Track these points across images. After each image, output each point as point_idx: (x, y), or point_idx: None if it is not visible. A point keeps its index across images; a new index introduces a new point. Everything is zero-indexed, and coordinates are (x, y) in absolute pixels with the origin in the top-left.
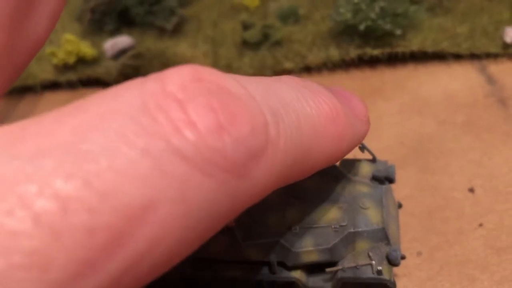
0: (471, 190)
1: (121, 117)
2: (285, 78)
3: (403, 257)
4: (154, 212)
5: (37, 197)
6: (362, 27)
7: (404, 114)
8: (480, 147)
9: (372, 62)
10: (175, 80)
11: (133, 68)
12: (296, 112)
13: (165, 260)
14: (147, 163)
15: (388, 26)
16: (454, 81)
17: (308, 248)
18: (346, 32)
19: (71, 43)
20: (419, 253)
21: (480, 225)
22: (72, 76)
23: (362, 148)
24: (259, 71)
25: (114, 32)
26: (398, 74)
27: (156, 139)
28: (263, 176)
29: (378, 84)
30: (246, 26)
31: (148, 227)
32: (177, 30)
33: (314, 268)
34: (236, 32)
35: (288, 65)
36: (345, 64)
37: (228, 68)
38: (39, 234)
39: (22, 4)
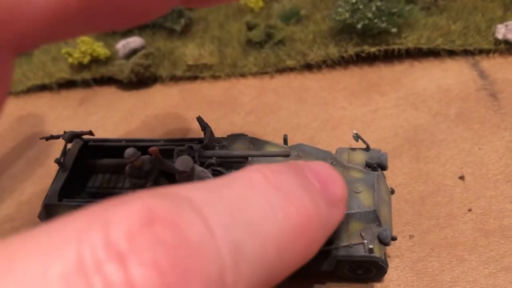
0: (462, 177)
1: (52, 285)
2: (257, 179)
3: (394, 238)
4: None
5: None
6: (359, 25)
7: (400, 107)
8: (471, 138)
9: (369, 59)
10: (121, 225)
11: (144, 66)
12: (262, 237)
13: None
14: None
15: (384, 25)
16: (447, 76)
17: None
18: (344, 31)
19: (85, 44)
20: (411, 236)
21: (470, 210)
22: (86, 74)
23: (357, 137)
24: (263, 69)
25: (126, 33)
26: (394, 70)
27: None
28: None
29: (375, 80)
30: (250, 27)
31: None
32: (185, 31)
33: None
34: (241, 32)
35: (290, 62)
36: (344, 61)
37: (233, 66)
38: None
39: None
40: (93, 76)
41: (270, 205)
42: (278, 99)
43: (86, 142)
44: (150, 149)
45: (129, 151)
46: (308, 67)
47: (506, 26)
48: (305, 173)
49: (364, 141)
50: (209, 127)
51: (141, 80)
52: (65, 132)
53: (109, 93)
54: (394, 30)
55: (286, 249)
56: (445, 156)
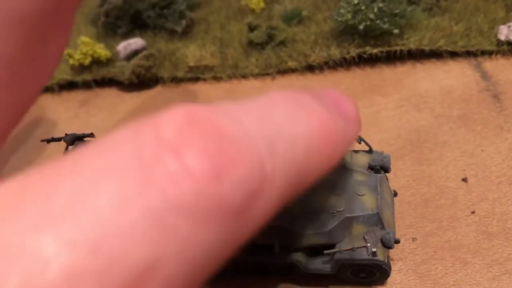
0: (465, 179)
1: (119, 175)
2: (277, 96)
3: (397, 241)
4: (159, 271)
5: (42, 272)
6: (361, 27)
7: (402, 109)
8: (474, 139)
9: (371, 60)
10: (169, 125)
11: (145, 68)
12: (290, 137)
13: None
14: (149, 223)
15: (386, 26)
16: (450, 77)
17: (308, 231)
18: (346, 32)
19: (86, 45)
20: (414, 239)
21: (473, 212)
22: (87, 76)
23: (359, 139)
24: (264, 70)
25: (127, 35)
26: (396, 72)
27: (155, 195)
28: (263, 209)
29: (378, 81)
30: (252, 28)
31: (153, 286)
32: (186, 32)
33: (313, 251)
34: (243, 34)
35: (291, 64)
36: (346, 63)
37: (235, 67)
38: None
39: (32, 43)
40: (94, 78)
41: (293, 115)
42: None
43: None
44: None
45: None
46: (310, 68)
47: (509, 27)
48: (319, 94)
49: (366, 143)
50: None
51: (142, 82)
52: (66, 134)
53: (110, 95)
54: (396, 31)
55: (313, 150)
56: (448, 158)
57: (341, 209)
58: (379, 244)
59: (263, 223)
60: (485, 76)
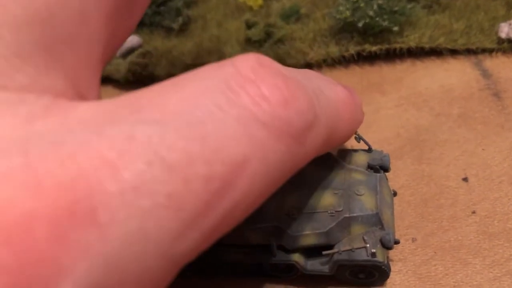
0: (465, 179)
1: (214, 93)
2: (310, 71)
3: (396, 242)
4: (247, 167)
5: (170, 152)
6: (360, 24)
7: (401, 107)
8: (475, 138)
9: (371, 58)
10: (246, 65)
11: (141, 66)
12: (326, 96)
13: (250, 206)
14: (240, 128)
15: (385, 23)
16: (450, 75)
17: (306, 232)
18: (345, 29)
19: None
20: (414, 239)
21: (473, 212)
22: None
23: (358, 138)
24: None
25: None
26: (396, 70)
27: (243, 109)
28: (313, 144)
29: (377, 79)
30: (249, 25)
31: (244, 179)
32: (183, 30)
33: (312, 252)
34: (240, 31)
35: (290, 61)
36: (345, 60)
37: None
38: (173, 181)
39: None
40: None
41: (325, 83)
42: None
43: None
44: None
45: None
46: (308, 66)
47: (510, 25)
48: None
49: (366, 142)
50: None
51: (138, 80)
52: None
53: (106, 93)
54: (395, 28)
55: (340, 112)
56: (448, 157)
57: (340, 209)
58: (379, 245)
59: (308, 159)
60: (485, 74)
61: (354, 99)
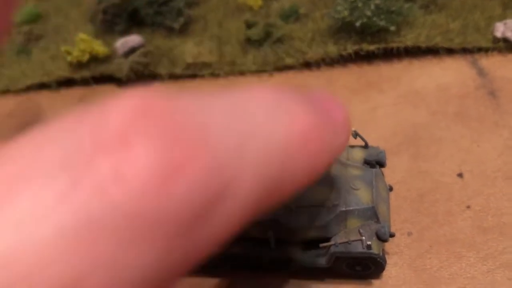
0: (460, 175)
1: (51, 168)
2: (258, 93)
3: (392, 235)
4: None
5: None
6: (358, 24)
7: (398, 106)
8: (470, 136)
9: (368, 57)
10: (119, 114)
11: (143, 65)
12: (264, 137)
13: None
14: (66, 240)
15: (383, 23)
16: (446, 74)
17: (304, 225)
18: (343, 29)
19: (84, 42)
20: (409, 233)
21: (468, 207)
22: (85, 73)
23: (355, 135)
24: (262, 67)
25: (125, 32)
26: (393, 68)
27: (90, 196)
28: (229, 216)
29: (374, 78)
30: (249, 25)
31: None
32: (184, 30)
33: (309, 245)
34: (240, 31)
35: (289, 61)
36: (343, 59)
37: (232, 64)
38: None
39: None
40: (92, 75)
41: (272, 113)
42: None
43: None
44: None
45: None
46: (307, 65)
47: (505, 24)
48: (309, 95)
49: (362, 138)
50: None
51: (140, 78)
52: None
53: (109, 91)
54: (393, 28)
55: (291, 158)
56: (444, 154)
57: (337, 203)
58: (374, 238)
59: (232, 231)
60: (481, 73)
61: (321, 124)
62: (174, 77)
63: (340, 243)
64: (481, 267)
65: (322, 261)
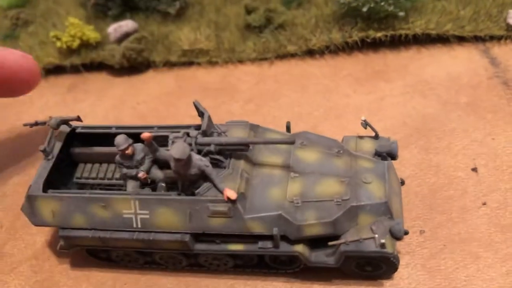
0: (474, 169)
1: None
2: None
3: (406, 232)
4: None
5: None
6: (365, 9)
7: (407, 95)
8: (484, 128)
9: (375, 45)
10: None
11: (136, 51)
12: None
13: None
14: None
15: (391, 8)
16: (457, 63)
17: (311, 221)
18: (349, 15)
19: (74, 27)
20: (422, 231)
21: (484, 203)
22: (76, 60)
23: (365, 124)
24: (262, 55)
25: (118, 17)
26: (400, 57)
27: None
28: None
29: (381, 67)
30: (249, 10)
31: None
32: (180, 15)
33: (316, 243)
34: (240, 16)
35: (291, 48)
36: (348, 47)
37: (231, 51)
38: None
39: None
40: (82, 61)
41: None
42: (278, 87)
43: (73, 129)
44: (143, 135)
45: (119, 138)
46: (310, 53)
47: None
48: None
49: (373, 129)
50: (207, 112)
51: (133, 66)
52: (50, 117)
53: (100, 79)
54: (401, 13)
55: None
56: (457, 147)
57: (347, 198)
58: (388, 235)
59: None
60: (494, 62)
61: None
62: (169, 64)
63: (351, 241)
64: (500, 268)
65: (331, 261)
